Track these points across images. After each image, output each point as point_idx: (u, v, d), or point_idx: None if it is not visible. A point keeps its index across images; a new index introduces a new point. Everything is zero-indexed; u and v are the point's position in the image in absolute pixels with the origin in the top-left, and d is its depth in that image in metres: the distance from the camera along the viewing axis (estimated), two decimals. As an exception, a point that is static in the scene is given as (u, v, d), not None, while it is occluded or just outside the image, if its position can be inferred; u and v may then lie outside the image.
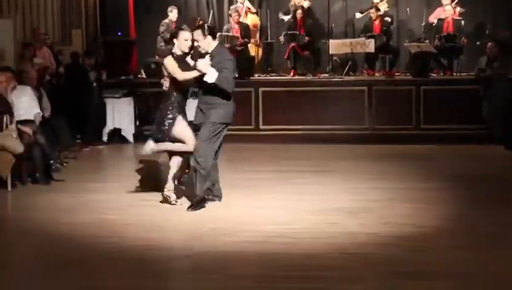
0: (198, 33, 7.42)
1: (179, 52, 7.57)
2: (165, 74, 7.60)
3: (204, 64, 7.23)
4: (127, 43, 14.74)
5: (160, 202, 7.70)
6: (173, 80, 7.51)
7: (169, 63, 7.49)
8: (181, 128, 7.54)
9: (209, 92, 7.41)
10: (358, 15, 14.64)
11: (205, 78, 7.24)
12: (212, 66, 7.25)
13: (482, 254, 5.98)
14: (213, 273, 5.56)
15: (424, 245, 6.28)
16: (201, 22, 13.16)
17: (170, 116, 7.50)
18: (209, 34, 7.44)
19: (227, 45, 12.99)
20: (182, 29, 7.94)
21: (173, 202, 7.64)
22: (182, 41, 7.54)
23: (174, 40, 7.65)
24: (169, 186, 7.71)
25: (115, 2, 14.57)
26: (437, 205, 7.69)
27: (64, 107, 11.34)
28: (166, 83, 7.67)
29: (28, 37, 12.60)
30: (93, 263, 5.83)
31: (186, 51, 7.60)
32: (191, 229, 6.73)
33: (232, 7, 14.71)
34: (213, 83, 7.24)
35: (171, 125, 7.50)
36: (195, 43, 7.55)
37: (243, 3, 14.65)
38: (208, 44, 7.42)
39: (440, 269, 5.67)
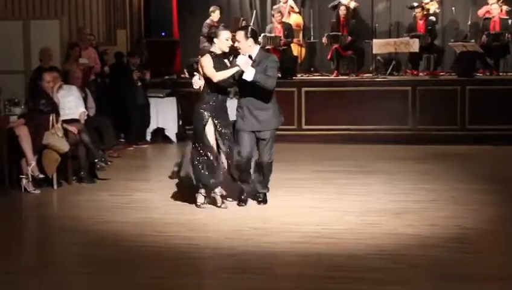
0: (241, 34, 7.37)
1: (218, 52, 7.42)
2: (201, 72, 7.44)
3: (244, 61, 7.17)
4: (170, 43, 14.85)
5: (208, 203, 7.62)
6: (207, 79, 7.37)
7: (205, 63, 7.34)
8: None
9: (258, 95, 7.37)
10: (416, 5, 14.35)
11: (244, 76, 7.19)
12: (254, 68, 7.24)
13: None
14: (255, 273, 5.56)
15: (469, 247, 6.20)
16: (244, 23, 13.17)
17: (202, 122, 7.41)
18: (251, 37, 7.39)
19: (269, 46, 13.01)
20: (222, 29, 7.71)
21: (221, 206, 7.55)
22: (223, 41, 7.38)
23: (214, 40, 7.46)
24: (218, 190, 7.59)
25: (159, 3, 14.67)
26: (483, 207, 7.58)
27: (109, 107, 11.46)
28: (197, 82, 7.53)
29: (73, 38, 12.76)
30: (137, 262, 5.86)
31: (226, 50, 7.48)
32: (233, 229, 6.73)
33: (274, 7, 14.69)
34: (252, 81, 7.19)
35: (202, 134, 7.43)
36: (236, 44, 7.43)
37: (285, 3, 14.62)
38: (248, 47, 7.37)
39: (486, 271, 5.59)
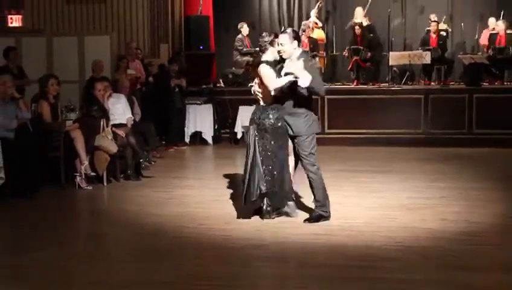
0: (285, 37, 6.42)
1: (271, 59, 6.61)
2: (258, 81, 6.64)
3: (298, 67, 6.23)
4: (207, 55, 14.91)
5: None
6: (263, 89, 6.59)
7: (267, 72, 6.53)
8: None
9: (291, 101, 6.52)
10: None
11: (299, 83, 6.25)
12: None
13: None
14: (283, 261, 5.57)
15: (476, 240, 6.13)
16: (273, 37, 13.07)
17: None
18: (295, 39, 6.47)
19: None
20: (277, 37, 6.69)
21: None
22: (276, 47, 6.54)
23: (270, 49, 6.61)
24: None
25: (197, 20, 14.74)
26: (488, 203, 7.50)
27: (152, 113, 11.52)
28: (256, 87, 6.68)
29: (122, 51, 12.88)
30: (179, 251, 5.88)
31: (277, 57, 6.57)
32: (263, 223, 6.69)
33: (303, 23, 14.70)
34: (307, 87, 6.28)
35: None
36: (279, 48, 6.48)
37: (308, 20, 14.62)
38: (293, 49, 6.44)
39: (491, 262, 5.54)
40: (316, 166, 6.67)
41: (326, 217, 6.68)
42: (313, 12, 14.82)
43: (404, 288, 4.87)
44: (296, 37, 6.53)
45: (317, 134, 6.77)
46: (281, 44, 6.48)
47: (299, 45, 6.59)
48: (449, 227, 6.50)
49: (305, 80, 6.24)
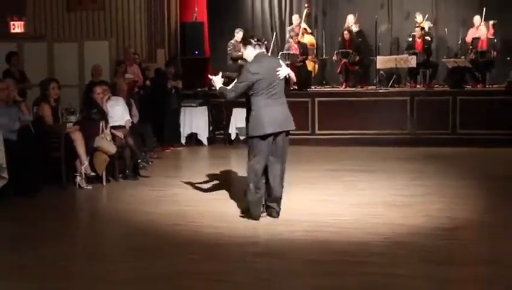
0: (241, 46, 7.03)
1: None
2: None
3: (215, 78, 6.84)
4: (202, 60, 14.94)
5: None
6: None
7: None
8: None
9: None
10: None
11: None
12: None
13: None
14: (273, 257, 5.62)
15: (456, 235, 6.23)
16: (266, 43, 13.10)
17: None
18: (248, 44, 6.78)
19: (287, 62, 13.03)
20: None
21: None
22: None
23: None
24: None
25: (193, 26, 14.78)
26: (470, 200, 7.58)
27: (149, 115, 11.55)
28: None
29: (120, 56, 12.91)
30: (174, 247, 5.91)
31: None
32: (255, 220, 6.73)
33: (288, 28, 14.74)
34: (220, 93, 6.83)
35: None
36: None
37: (297, 26, 14.63)
38: (248, 53, 6.76)
39: (472, 256, 5.62)
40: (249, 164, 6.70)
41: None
42: (296, 18, 14.76)
43: (389, 282, 4.93)
44: (248, 42, 6.80)
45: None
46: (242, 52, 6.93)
47: (255, 47, 6.74)
48: (431, 223, 6.56)
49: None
